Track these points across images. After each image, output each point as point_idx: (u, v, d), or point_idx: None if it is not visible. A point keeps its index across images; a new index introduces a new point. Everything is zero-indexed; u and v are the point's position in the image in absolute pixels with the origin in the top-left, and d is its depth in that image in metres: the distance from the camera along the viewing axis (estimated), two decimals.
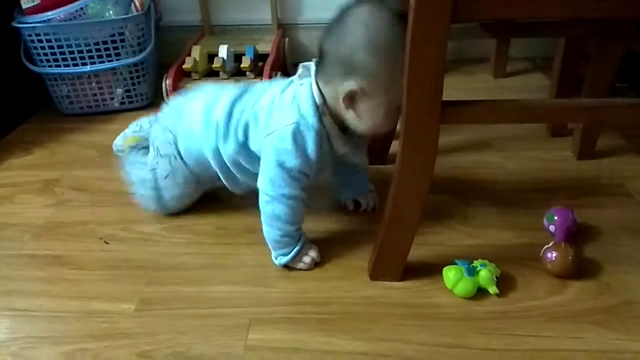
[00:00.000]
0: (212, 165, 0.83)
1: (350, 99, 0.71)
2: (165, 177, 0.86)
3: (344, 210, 0.91)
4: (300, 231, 0.78)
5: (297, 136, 0.72)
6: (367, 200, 0.90)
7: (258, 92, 0.80)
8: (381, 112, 0.72)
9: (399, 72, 0.65)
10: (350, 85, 0.70)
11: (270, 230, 0.76)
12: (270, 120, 0.75)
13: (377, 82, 0.69)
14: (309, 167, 0.74)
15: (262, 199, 0.75)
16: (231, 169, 0.82)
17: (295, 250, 0.76)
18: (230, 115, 0.79)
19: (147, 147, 0.92)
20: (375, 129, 0.75)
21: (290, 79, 0.79)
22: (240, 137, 0.78)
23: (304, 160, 0.73)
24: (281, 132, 0.73)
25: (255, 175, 0.78)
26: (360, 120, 0.73)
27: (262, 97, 0.78)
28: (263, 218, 0.76)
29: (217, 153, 0.81)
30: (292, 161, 0.73)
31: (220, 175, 0.84)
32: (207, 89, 0.87)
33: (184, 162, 0.85)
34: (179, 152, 0.85)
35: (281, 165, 0.73)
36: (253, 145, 0.78)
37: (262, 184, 0.75)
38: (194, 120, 0.83)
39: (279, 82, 0.80)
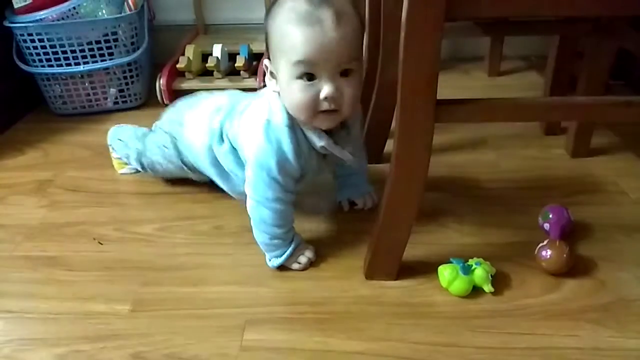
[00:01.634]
0: (207, 163, 0.85)
1: (271, 78, 0.72)
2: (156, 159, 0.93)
3: (339, 209, 0.91)
4: (291, 233, 0.76)
5: (269, 133, 0.71)
6: (365, 200, 0.89)
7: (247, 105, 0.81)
8: (286, 80, 0.68)
9: (297, 33, 0.64)
10: (265, 62, 0.72)
11: (259, 234, 0.76)
12: (247, 124, 0.76)
13: (272, 43, 0.69)
14: (289, 165, 0.72)
15: (248, 203, 0.75)
16: (224, 168, 0.84)
17: (288, 252, 0.75)
18: (223, 123, 0.82)
19: None
20: (296, 108, 0.69)
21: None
22: (231, 142, 0.80)
23: (281, 157, 0.71)
24: (255, 131, 0.73)
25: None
26: (285, 101, 0.70)
27: (247, 109, 0.80)
28: (252, 223, 0.76)
29: (211, 152, 0.83)
30: (269, 160, 0.71)
31: (214, 172, 0.85)
32: (209, 97, 0.90)
33: (179, 153, 0.89)
34: (176, 148, 0.89)
35: (260, 166, 0.72)
36: (241, 153, 0.80)
37: (247, 189, 0.75)
38: (195, 126, 0.86)
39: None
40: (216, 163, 0.84)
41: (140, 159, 0.95)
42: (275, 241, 0.75)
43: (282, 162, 0.71)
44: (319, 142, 0.72)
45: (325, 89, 0.66)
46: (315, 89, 0.67)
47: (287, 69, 0.67)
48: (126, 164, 1.02)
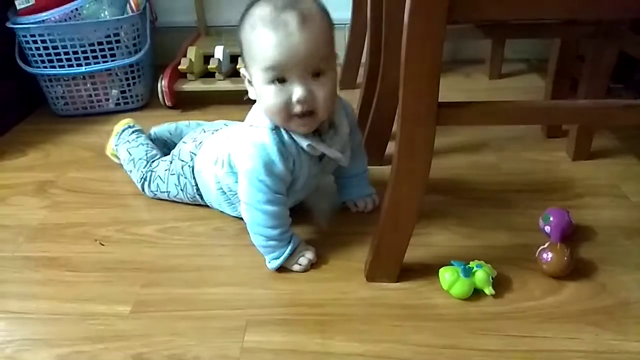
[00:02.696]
0: (215, 189, 0.85)
1: (249, 85, 0.72)
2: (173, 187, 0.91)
3: (340, 211, 0.91)
4: (287, 234, 0.76)
5: (253, 137, 0.72)
6: (365, 202, 0.89)
7: None
8: (259, 86, 0.69)
9: (263, 38, 0.65)
10: (242, 71, 0.73)
11: (255, 237, 0.76)
12: (238, 134, 0.78)
13: (244, 52, 0.70)
14: (276, 167, 0.72)
15: (241, 207, 0.76)
16: (228, 193, 0.84)
17: (286, 253, 0.75)
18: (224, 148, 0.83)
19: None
20: (270, 112, 0.70)
21: None
22: (230, 162, 0.80)
23: (267, 160, 0.71)
24: (242, 138, 0.74)
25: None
26: (261, 106, 0.72)
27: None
28: (247, 226, 0.77)
29: (217, 178, 0.83)
30: (255, 163, 0.71)
31: (222, 199, 0.86)
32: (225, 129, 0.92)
33: (197, 183, 0.88)
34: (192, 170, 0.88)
35: (248, 170, 0.72)
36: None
37: (239, 193, 0.76)
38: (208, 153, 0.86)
39: None
40: (220, 187, 0.84)
41: (143, 184, 0.94)
42: (272, 242, 0.75)
43: (268, 164, 0.71)
44: (305, 141, 0.72)
45: (297, 92, 0.67)
46: (287, 92, 0.67)
47: (258, 75, 0.68)
48: (117, 156, 1.02)
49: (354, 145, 0.86)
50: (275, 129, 0.72)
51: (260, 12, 0.66)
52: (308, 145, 0.72)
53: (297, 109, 0.68)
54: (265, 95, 0.69)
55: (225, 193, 0.84)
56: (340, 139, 0.77)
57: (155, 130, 1.03)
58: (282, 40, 0.64)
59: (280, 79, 0.67)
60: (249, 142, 0.73)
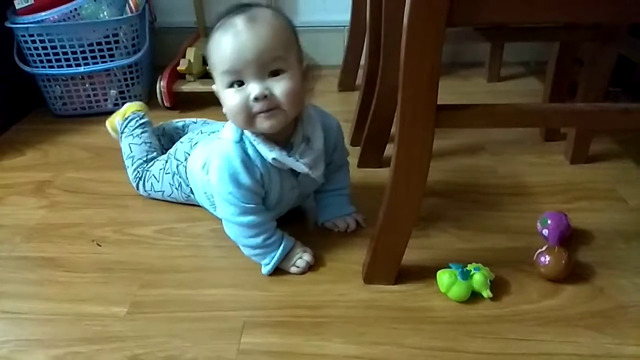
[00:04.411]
0: (201, 191, 0.86)
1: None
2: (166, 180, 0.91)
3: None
4: (273, 238, 0.75)
5: (220, 150, 0.73)
6: (347, 222, 0.85)
7: None
8: (221, 91, 0.70)
9: (216, 43, 0.67)
10: (213, 87, 0.73)
11: (242, 248, 0.77)
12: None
13: (209, 64, 0.71)
14: (243, 178, 0.71)
15: (223, 222, 0.77)
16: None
17: (276, 256, 0.75)
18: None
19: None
20: (232, 115, 0.70)
21: None
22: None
23: (233, 172, 0.71)
24: (211, 153, 0.75)
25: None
26: (226, 112, 0.71)
27: None
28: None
29: (202, 181, 0.84)
30: (222, 176, 0.72)
31: (207, 202, 0.86)
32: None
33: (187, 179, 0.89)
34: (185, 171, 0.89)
35: (217, 185, 0.73)
36: None
37: (217, 209, 0.77)
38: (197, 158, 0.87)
39: None
40: (205, 192, 0.85)
41: (138, 183, 0.95)
42: (259, 250, 0.76)
43: (234, 176, 0.72)
44: (270, 154, 0.72)
45: (253, 90, 0.67)
46: (245, 92, 0.67)
47: (219, 81, 0.70)
48: (117, 132, 1.02)
49: (339, 162, 0.85)
50: (240, 141, 0.72)
51: (217, 25, 0.69)
52: (273, 159, 0.72)
53: (256, 107, 0.67)
54: (227, 99, 0.69)
55: (209, 199, 0.85)
56: (311, 153, 0.75)
57: (165, 125, 1.05)
58: (232, 40, 0.66)
59: (238, 82, 0.68)
60: (215, 154, 0.74)
